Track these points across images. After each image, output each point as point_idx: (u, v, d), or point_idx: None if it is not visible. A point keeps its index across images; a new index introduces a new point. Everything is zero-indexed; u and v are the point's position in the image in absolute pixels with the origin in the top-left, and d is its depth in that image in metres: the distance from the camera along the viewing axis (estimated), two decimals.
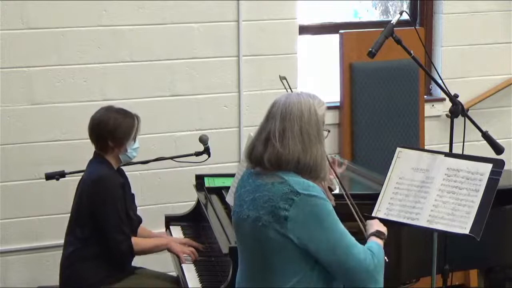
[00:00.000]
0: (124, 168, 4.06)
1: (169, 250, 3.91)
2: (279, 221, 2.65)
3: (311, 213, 2.64)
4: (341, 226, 2.69)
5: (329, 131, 2.81)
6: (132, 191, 3.98)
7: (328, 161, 2.98)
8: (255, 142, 2.77)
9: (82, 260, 3.73)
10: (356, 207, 3.06)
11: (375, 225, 2.97)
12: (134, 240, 3.78)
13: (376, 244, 2.84)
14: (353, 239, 2.72)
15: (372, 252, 2.75)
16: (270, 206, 2.67)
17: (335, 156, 4.74)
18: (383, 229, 2.96)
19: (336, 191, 3.30)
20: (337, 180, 3.21)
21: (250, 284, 2.81)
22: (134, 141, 3.83)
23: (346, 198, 3.08)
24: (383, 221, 3.14)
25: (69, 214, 3.87)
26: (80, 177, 3.92)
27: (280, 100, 2.77)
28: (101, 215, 3.70)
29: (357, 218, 3.05)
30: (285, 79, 3.39)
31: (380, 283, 2.74)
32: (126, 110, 3.86)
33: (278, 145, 2.69)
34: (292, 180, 2.67)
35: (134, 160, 4.26)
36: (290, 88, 3.34)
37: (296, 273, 2.69)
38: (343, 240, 2.68)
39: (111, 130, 3.75)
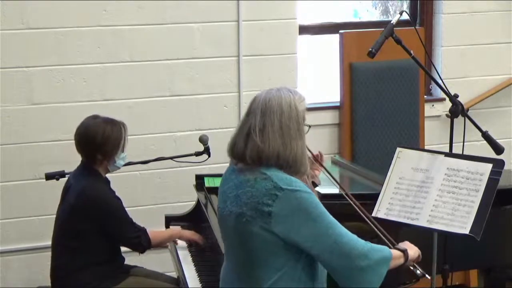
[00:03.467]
0: (124, 168, 4.06)
1: (181, 237, 4.07)
2: (263, 217, 2.66)
3: (296, 207, 2.65)
4: (329, 216, 2.70)
5: (309, 127, 2.81)
6: (132, 191, 3.99)
7: (314, 156, 3.00)
8: (236, 138, 2.78)
9: (77, 269, 3.71)
10: (361, 207, 3.05)
11: (407, 245, 2.96)
12: (150, 233, 3.84)
13: (387, 248, 2.83)
14: (343, 228, 2.72)
15: (372, 245, 2.75)
16: (254, 202, 2.68)
17: (335, 156, 4.76)
18: (412, 252, 2.94)
19: (330, 191, 3.29)
20: (333, 180, 3.19)
21: (235, 280, 2.83)
22: (123, 151, 3.81)
23: (348, 198, 3.07)
24: (383, 221, 3.14)
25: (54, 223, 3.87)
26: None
27: (260, 95, 2.79)
28: (111, 224, 3.72)
29: (370, 223, 3.03)
30: None
31: (372, 276, 2.72)
32: (112, 119, 3.80)
33: (258, 140, 2.70)
34: (275, 176, 2.68)
35: (134, 160, 4.26)
36: None
37: (281, 266, 2.71)
38: (332, 229, 2.68)
39: (100, 144, 3.71)
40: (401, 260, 2.88)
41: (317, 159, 3.13)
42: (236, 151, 2.76)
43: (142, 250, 3.87)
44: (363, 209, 3.06)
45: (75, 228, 3.72)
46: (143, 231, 3.83)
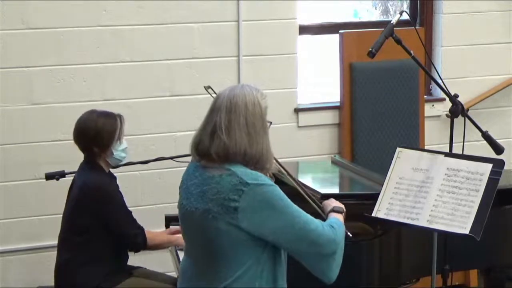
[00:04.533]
0: (124, 168, 4.06)
1: (179, 244, 3.96)
2: (229, 213, 2.69)
3: (262, 201, 2.68)
4: (294, 206, 2.74)
5: (271, 123, 2.85)
6: (132, 191, 3.99)
7: None
8: (200, 135, 2.80)
9: (81, 265, 3.73)
10: (307, 190, 3.09)
11: (332, 203, 3.03)
12: (148, 234, 3.84)
13: (336, 219, 2.90)
14: (309, 216, 2.76)
15: (332, 226, 2.79)
16: (220, 198, 2.70)
17: (335, 156, 4.76)
18: (341, 204, 3.02)
19: (330, 191, 3.29)
20: (283, 170, 3.17)
21: (194, 275, 2.84)
22: (120, 142, 3.81)
23: (294, 182, 3.10)
24: (384, 221, 3.15)
25: (61, 220, 3.88)
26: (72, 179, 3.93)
27: (224, 92, 2.82)
28: (111, 219, 3.72)
29: (310, 201, 3.07)
30: (210, 88, 3.42)
31: (340, 257, 2.78)
32: (108, 112, 3.85)
33: (224, 137, 2.72)
34: (240, 172, 2.71)
35: (134, 160, 4.26)
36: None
37: (247, 259, 2.73)
38: (299, 218, 2.72)
39: (93, 137, 3.74)
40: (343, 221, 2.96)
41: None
42: (201, 149, 2.79)
43: (137, 249, 3.86)
44: (309, 193, 3.09)
45: (78, 223, 3.74)
46: (141, 229, 3.83)
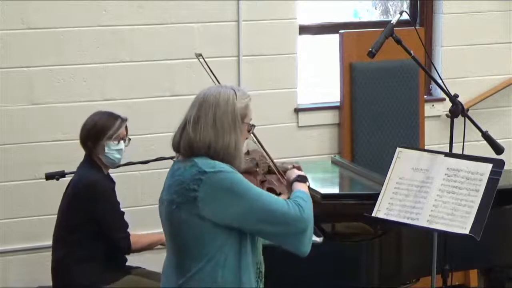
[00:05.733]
0: (124, 168, 4.05)
1: (164, 244, 3.94)
2: (190, 202, 2.71)
3: (220, 188, 2.70)
4: (255, 189, 2.74)
5: (253, 126, 2.87)
6: (132, 191, 3.99)
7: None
8: (176, 130, 2.85)
9: (76, 263, 3.73)
10: (274, 161, 3.06)
11: (294, 171, 3.00)
12: (132, 238, 3.83)
13: (300, 191, 2.87)
14: (272, 196, 2.76)
15: (298, 202, 2.77)
16: (182, 188, 2.74)
17: (335, 156, 4.76)
18: (303, 173, 3.00)
19: (330, 191, 3.28)
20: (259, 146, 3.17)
21: (170, 270, 2.86)
22: (117, 142, 3.82)
23: (262, 150, 3.10)
24: (384, 221, 3.14)
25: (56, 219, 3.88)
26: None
27: (202, 91, 2.86)
28: (100, 216, 3.72)
29: (276, 170, 3.06)
30: (201, 56, 3.44)
31: (311, 231, 2.77)
32: (112, 112, 3.90)
33: (191, 131, 2.77)
34: (200, 162, 2.74)
35: (134, 160, 4.26)
36: (208, 67, 3.36)
37: (210, 249, 2.74)
38: (260, 201, 2.72)
39: (88, 130, 3.81)
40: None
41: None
42: (173, 143, 2.85)
43: (120, 253, 3.85)
44: (275, 163, 3.07)
45: (71, 220, 3.76)
46: (127, 234, 3.82)
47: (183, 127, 2.81)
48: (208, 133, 2.75)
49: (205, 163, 2.73)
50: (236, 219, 2.71)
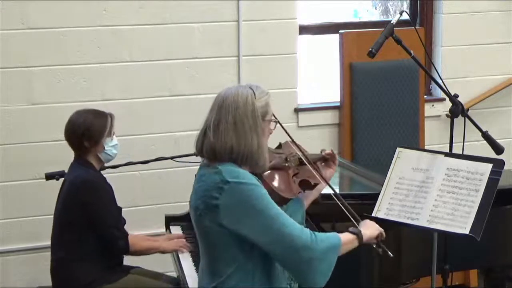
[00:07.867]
0: (124, 168, 4.05)
1: (163, 252, 3.96)
2: (211, 210, 2.72)
3: (240, 200, 2.68)
4: (275, 208, 2.71)
5: (277, 122, 2.86)
6: (132, 191, 3.98)
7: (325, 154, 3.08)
8: (198, 134, 2.85)
9: (75, 262, 3.72)
10: (349, 206, 3.04)
11: (366, 225, 2.96)
12: (130, 239, 3.81)
13: (335, 235, 2.82)
14: (290, 220, 2.73)
15: (320, 236, 2.74)
16: (205, 196, 2.75)
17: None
18: (369, 231, 2.93)
19: (328, 191, 3.28)
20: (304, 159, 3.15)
21: (203, 272, 2.88)
22: (111, 138, 3.82)
23: (336, 199, 3.07)
24: (384, 221, 3.14)
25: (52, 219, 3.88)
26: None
27: (221, 92, 2.85)
28: (96, 214, 3.71)
29: (306, 161, 3.07)
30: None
31: (320, 266, 2.71)
32: (97, 109, 3.87)
33: (211, 136, 2.76)
34: (224, 169, 2.72)
35: (134, 160, 4.26)
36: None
37: (236, 258, 2.74)
38: (276, 220, 2.69)
39: (85, 130, 3.76)
40: (355, 243, 2.88)
41: (327, 158, 3.18)
42: (196, 148, 2.85)
43: (118, 253, 3.82)
44: (350, 209, 3.04)
45: (67, 220, 3.74)
46: (125, 234, 3.79)
47: (204, 132, 2.80)
48: (230, 137, 2.73)
49: (228, 171, 2.71)
50: (250, 233, 2.69)
